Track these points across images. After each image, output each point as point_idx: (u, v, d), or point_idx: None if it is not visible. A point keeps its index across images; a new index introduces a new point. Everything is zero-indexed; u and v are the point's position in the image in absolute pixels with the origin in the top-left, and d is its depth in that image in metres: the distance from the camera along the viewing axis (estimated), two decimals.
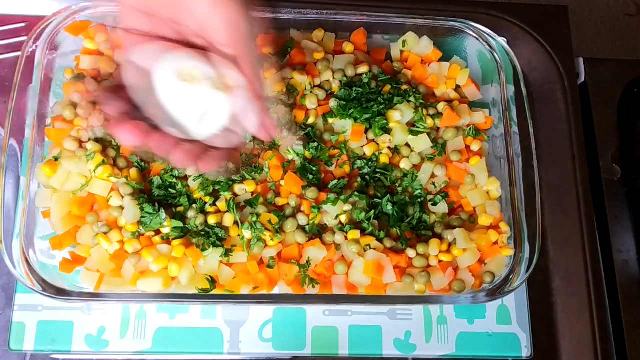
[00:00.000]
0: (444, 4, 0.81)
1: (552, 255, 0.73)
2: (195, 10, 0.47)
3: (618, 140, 0.79)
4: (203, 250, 0.63)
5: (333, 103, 0.70)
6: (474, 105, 0.74)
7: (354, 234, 0.65)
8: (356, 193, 0.67)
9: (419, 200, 0.68)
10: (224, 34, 0.47)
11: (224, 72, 0.48)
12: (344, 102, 0.70)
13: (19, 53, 0.66)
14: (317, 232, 0.66)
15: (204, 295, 0.62)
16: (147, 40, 0.49)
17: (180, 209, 0.65)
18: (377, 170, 0.69)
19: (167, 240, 0.64)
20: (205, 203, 0.65)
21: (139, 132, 0.48)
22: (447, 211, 0.68)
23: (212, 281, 0.63)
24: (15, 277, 0.61)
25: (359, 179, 0.69)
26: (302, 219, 0.66)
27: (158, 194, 0.65)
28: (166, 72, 0.48)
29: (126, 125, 0.48)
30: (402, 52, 0.76)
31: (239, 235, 0.65)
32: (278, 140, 0.68)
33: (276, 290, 0.64)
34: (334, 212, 0.66)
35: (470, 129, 0.71)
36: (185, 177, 0.66)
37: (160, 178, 0.66)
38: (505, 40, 0.73)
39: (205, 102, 0.48)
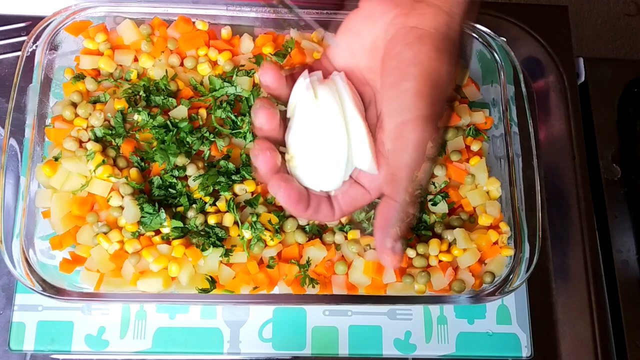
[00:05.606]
0: None
1: (552, 255, 0.73)
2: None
3: (618, 140, 0.79)
4: (203, 250, 0.63)
5: None
6: (474, 105, 0.74)
7: (354, 234, 0.65)
8: None
9: (419, 200, 0.68)
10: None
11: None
12: None
13: (19, 53, 0.66)
14: (317, 232, 0.66)
15: (204, 295, 0.62)
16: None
17: (180, 209, 0.65)
18: None
19: (167, 240, 0.63)
20: (205, 203, 0.65)
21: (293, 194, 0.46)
22: (447, 211, 0.68)
23: (212, 281, 0.63)
24: (15, 277, 0.61)
25: None
26: (302, 219, 0.66)
27: (158, 194, 0.65)
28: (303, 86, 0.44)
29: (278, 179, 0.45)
30: None
31: (239, 235, 0.65)
32: None
33: (276, 290, 0.64)
34: None
35: (470, 129, 0.71)
36: (185, 177, 0.66)
37: (160, 178, 0.65)
38: (505, 40, 0.73)
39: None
